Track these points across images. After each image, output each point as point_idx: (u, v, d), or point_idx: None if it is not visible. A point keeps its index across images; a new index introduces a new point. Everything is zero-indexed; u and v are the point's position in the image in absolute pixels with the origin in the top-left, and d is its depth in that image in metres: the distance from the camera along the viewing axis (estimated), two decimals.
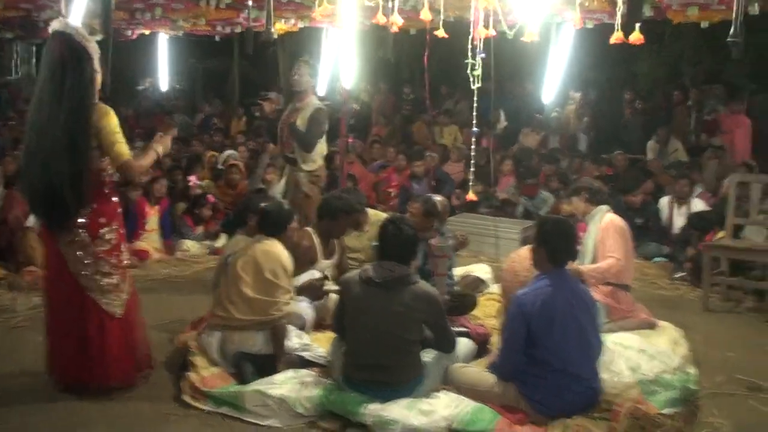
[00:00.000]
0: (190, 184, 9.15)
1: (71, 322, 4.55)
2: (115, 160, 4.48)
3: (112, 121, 4.45)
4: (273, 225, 5.13)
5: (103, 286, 4.52)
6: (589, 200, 5.76)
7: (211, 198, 8.97)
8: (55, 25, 4.42)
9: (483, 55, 5.39)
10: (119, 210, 4.73)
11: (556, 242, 4.37)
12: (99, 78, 4.49)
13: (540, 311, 4.17)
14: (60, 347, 4.62)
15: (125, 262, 4.71)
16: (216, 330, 4.93)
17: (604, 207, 5.75)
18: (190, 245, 8.44)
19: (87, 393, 4.57)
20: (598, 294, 5.35)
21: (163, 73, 20.51)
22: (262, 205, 5.40)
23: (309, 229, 6.04)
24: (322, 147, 6.83)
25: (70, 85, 4.31)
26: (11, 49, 19.70)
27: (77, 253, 4.46)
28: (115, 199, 4.68)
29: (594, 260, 5.57)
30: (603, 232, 5.55)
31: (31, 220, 7.16)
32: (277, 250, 4.99)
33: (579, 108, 13.70)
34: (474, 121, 5.88)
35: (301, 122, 6.65)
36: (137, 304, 4.81)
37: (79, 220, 4.43)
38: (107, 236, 4.53)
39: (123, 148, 4.49)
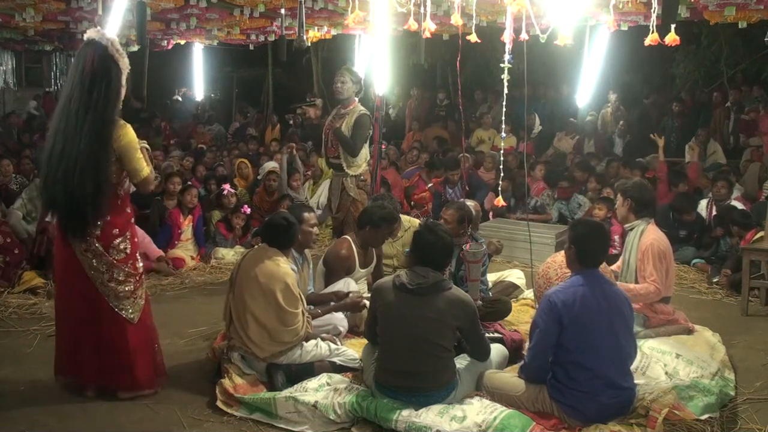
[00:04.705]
0: (225, 192, 9.20)
1: (88, 326, 4.61)
2: (135, 175, 4.54)
3: (130, 136, 4.50)
4: (277, 238, 5.00)
5: (119, 293, 4.58)
6: (633, 209, 5.60)
7: (246, 209, 9.01)
8: (90, 34, 4.46)
9: (512, 60, 5.33)
10: (132, 220, 4.77)
11: (585, 244, 4.32)
12: (123, 92, 4.54)
13: (576, 309, 4.13)
14: (77, 350, 4.68)
15: (140, 269, 4.75)
16: (236, 352, 4.91)
17: (645, 221, 5.58)
18: (224, 253, 8.49)
19: (123, 399, 4.64)
20: (634, 304, 5.27)
21: (199, 82, 20.76)
22: (269, 217, 5.34)
23: (348, 237, 6.04)
24: (365, 152, 6.86)
25: (97, 97, 4.36)
26: (50, 60, 20.04)
27: (92, 261, 4.53)
28: (128, 210, 4.73)
29: (635, 279, 5.47)
30: (643, 253, 5.39)
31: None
32: (281, 270, 4.83)
33: (615, 111, 13.58)
34: (503, 126, 5.82)
35: (345, 128, 6.68)
36: (150, 310, 4.87)
37: (94, 231, 4.50)
38: (121, 246, 4.59)
39: (142, 163, 4.55)
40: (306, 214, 5.55)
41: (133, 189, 4.77)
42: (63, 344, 4.78)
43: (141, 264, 4.76)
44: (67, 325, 4.73)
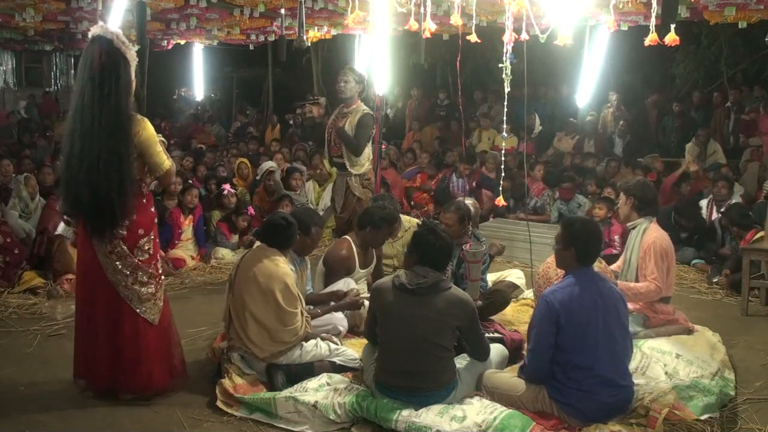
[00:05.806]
0: (225, 192, 9.20)
1: (107, 329, 4.57)
2: (157, 169, 4.54)
3: (150, 131, 4.49)
4: (276, 238, 4.98)
5: (141, 295, 4.55)
6: (635, 207, 5.61)
7: (251, 211, 9.02)
8: (95, 30, 4.43)
9: (514, 59, 5.33)
10: (155, 220, 4.77)
11: (585, 242, 4.33)
12: (134, 85, 4.52)
13: (572, 308, 4.13)
14: (94, 354, 4.63)
15: (161, 270, 4.74)
16: (235, 352, 4.90)
17: (648, 219, 5.59)
18: (224, 253, 8.49)
19: (124, 399, 4.62)
20: (635, 304, 5.29)
21: (199, 82, 20.76)
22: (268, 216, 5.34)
23: (348, 237, 6.04)
24: (368, 151, 6.86)
25: (109, 91, 4.33)
26: (50, 60, 20.05)
27: (116, 263, 4.49)
28: (152, 209, 4.72)
29: (636, 277, 5.48)
30: (645, 251, 5.40)
31: (61, 227, 7.26)
32: (280, 270, 4.82)
33: (615, 111, 13.59)
34: (504, 126, 5.82)
35: (349, 127, 6.69)
36: (170, 312, 4.85)
37: (120, 231, 4.47)
38: (145, 246, 4.57)
39: (162, 157, 4.55)
40: (314, 228, 5.51)
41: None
42: (81, 347, 4.72)
43: (161, 265, 4.76)
44: (85, 328, 4.67)
